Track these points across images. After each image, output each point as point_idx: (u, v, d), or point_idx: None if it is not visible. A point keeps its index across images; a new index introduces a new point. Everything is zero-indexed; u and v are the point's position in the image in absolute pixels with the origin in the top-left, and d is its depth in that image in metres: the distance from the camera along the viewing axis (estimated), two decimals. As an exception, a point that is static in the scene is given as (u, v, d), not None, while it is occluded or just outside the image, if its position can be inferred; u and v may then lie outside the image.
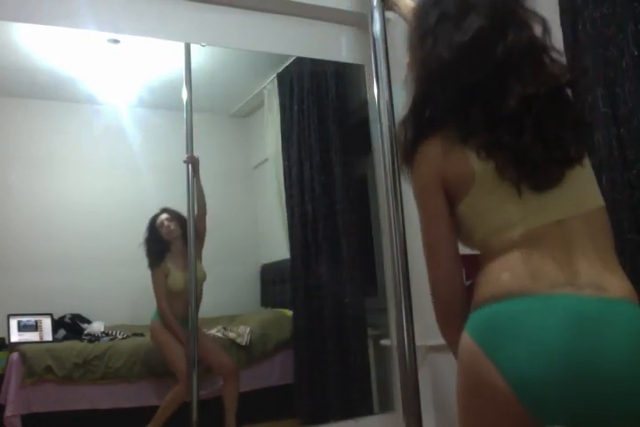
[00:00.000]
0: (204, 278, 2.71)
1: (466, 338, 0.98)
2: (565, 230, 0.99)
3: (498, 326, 0.95)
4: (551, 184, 0.99)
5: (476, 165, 1.00)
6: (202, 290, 2.70)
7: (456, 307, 1.07)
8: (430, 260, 1.10)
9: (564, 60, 1.10)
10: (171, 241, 2.77)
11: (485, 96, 0.99)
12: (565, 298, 0.93)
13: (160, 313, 2.65)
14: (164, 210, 2.82)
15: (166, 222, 2.78)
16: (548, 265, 0.96)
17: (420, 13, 1.12)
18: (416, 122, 1.06)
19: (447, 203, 1.07)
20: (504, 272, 0.98)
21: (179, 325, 2.62)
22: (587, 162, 1.05)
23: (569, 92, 1.06)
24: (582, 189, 1.03)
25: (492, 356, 0.93)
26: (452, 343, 1.06)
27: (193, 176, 2.69)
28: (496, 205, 1.01)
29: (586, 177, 1.05)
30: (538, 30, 1.06)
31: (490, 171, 0.99)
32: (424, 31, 1.08)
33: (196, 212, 2.68)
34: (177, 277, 2.67)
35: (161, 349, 2.66)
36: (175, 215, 2.80)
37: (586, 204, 1.02)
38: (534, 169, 0.98)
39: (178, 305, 2.65)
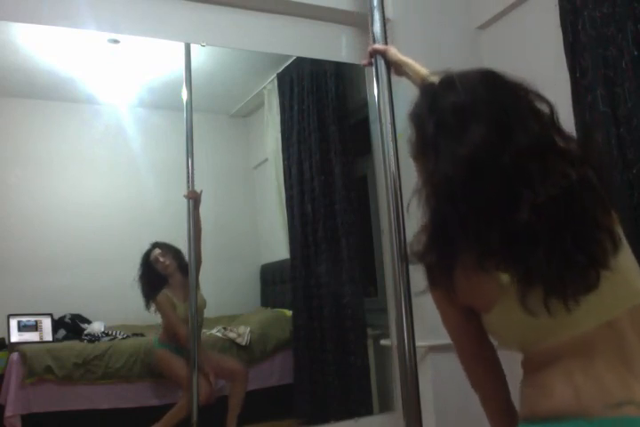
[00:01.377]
0: (204, 306, 2.72)
1: None
2: (613, 332, 0.90)
3: None
4: (585, 290, 0.90)
5: (500, 279, 0.93)
6: (203, 316, 2.72)
7: (492, 402, 1.08)
8: (463, 367, 1.09)
9: (574, 135, 1.01)
10: (168, 275, 2.75)
11: (496, 210, 0.92)
12: (626, 422, 0.84)
13: (179, 339, 2.64)
14: (156, 245, 2.80)
15: (161, 258, 2.76)
16: (601, 378, 0.88)
17: (416, 121, 1.04)
18: (435, 247, 0.99)
19: (474, 320, 1.02)
20: (553, 387, 0.91)
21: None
22: (623, 252, 0.94)
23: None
24: (624, 284, 0.94)
25: None
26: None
27: (194, 210, 2.67)
28: (528, 315, 0.91)
29: (624, 271, 0.94)
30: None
31: (515, 283, 0.91)
32: (424, 143, 1.01)
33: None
34: (181, 309, 2.68)
35: (170, 374, 2.68)
36: (168, 249, 2.79)
37: (629, 299, 0.93)
38: (559, 281, 0.89)
39: (169, 333, 2.69)
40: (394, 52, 1.72)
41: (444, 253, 0.96)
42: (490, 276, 0.93)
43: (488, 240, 0.92)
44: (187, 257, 2.67)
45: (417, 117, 1.04)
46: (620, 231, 0.95)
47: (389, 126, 1.72)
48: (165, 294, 2.69)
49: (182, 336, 2.62)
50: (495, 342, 1.05)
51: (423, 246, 0.99)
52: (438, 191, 0.96)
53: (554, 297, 0.89)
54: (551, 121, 0.97)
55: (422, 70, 1.60)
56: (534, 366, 0.96)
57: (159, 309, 2.69)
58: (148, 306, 2.72)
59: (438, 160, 0.96)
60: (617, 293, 0.93)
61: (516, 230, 0.90)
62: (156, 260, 2.75)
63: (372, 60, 1.76)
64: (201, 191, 2.70)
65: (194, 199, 2.67)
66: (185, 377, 2.56)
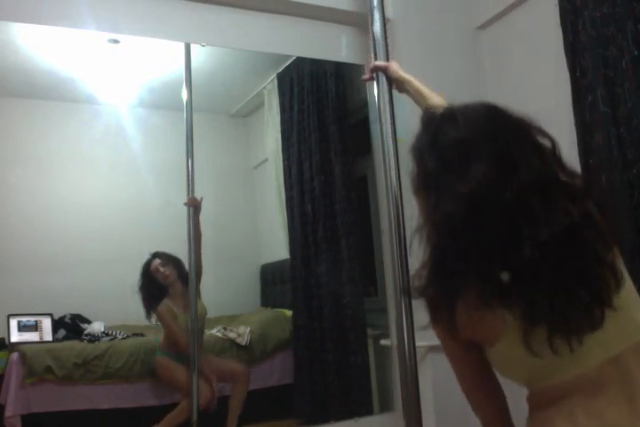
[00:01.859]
0: (205, 314, 2.72)
1: None
2: (618, 369, 0.90)
3: None
4: (589, 329, 0.89)
5: (503, 315, 0.92)
6: (204, 324, 2.73)
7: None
8: (464, 394, 1.09)
9: (578, 172, 1.00)
10: (169, 285, 2.75)
11: (498, 246, 0.91)
12: None
13: (179, 347, 2.64)
14: (156, 255, 2.78)
15: (161, 268, 2.75)
16: (605, 418, 0.88)
17: (417, 156, 1.02)
18: (436, 283, 0.97)
19: (476, 353, 1.02)
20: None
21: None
22: (626, 288, 0.93)
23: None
24: (627, 320, 0.94)
25: None
26: None
27: (194, 217, 2.66)
28: (532, 352, 0.90)
29: (627, 307, 0.93)
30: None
31: (518, 320, 0.90)
32: (425, 179, 1.00)
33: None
34: (182, 318, 2.68)
35: (171, 381, 2.67)
36: (168, 259, 2.78)
37: (633, 335, 0.93)
38: (562, 320, 0.88)
39: (169, 342, 2.69)
40: (395, 68, 1.70)
41: (445, 289, 0.96)
42: (492, 312, 0.92)
43: (490, 277, 0.91)
44: (187, 265, 2.67)
45: (418, 152, 1.02)
46: (621, 267, 0.94)
47: (389, 126, 1.72)
48: (166, 304, 2.70)
49: (183, 345, 2.62)
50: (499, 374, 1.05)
51: (424, 281, 0.98)
52: (439, 228, 0.95)
53: (557, 336, 0.88)
54: (553, 156, 0.96)
55: (423, 89, 1.59)
56: (539, 403, 0.96)
57: (160, 319, 2.70)
58: (148, 316, 2.73)
59: (439, 196, 0.95)
60: (621, 329, 0.92)
61: (518, 267, 0.89)
62: (157, 270, 2.75)
63: (374, 75, 1.74)
64: (201, 199, 2.69)
65: (194, 206, 2.67)
66: (183, 380, 2.56)
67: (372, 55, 1.81)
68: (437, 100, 1.53)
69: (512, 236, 0.89)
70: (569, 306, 0.88)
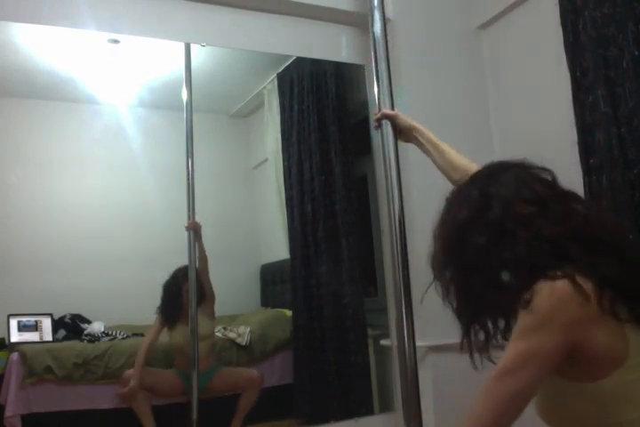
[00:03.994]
0: (211, 334, 2.74)
1: None
2: None
3: None
4: None
5: (630, 334, 0.87)
6: (213, 346, 2.76)
7: None
8: None
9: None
10: (185, 304, 2.69)
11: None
12: None
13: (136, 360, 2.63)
14: None
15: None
16: None
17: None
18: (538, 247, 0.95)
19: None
20: None
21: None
22: None
23: None
24: None
25: None
26: None
27: (195, 241, 2.64)
28: None
29: None
30: None
31: None
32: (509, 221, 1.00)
33: (198, 266, 2.65)
34: (181, 332, 2.67)
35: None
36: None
37: None
38: None
39: (180, 359, 2.67)
40: (404, 116, 1.68)
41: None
42: (617, 324, 0.87)
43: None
44: (192, 286, 2.63)
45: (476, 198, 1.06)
46: None
47: (389, 126, 1.72)
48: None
49: (139, 362, 2.60)
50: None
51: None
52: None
53: None
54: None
55: (435, 138, 1.57)
56: None
57: (153, 325, 2.69)
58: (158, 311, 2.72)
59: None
60: None
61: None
62: (187, 290, 2.68)
63: (381, 122, 1.73)
64: (200, 222, 2.66)
65: (194, 230, 2.64)
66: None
67: (373, 55, 1.81)
68: (455, 153, 1.52)
69: None
70: None
